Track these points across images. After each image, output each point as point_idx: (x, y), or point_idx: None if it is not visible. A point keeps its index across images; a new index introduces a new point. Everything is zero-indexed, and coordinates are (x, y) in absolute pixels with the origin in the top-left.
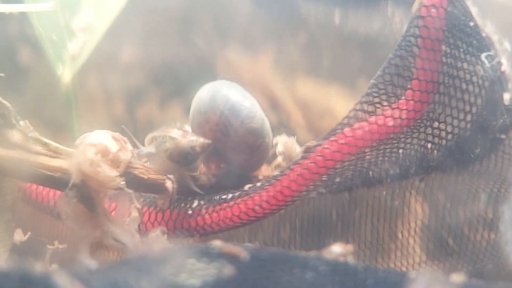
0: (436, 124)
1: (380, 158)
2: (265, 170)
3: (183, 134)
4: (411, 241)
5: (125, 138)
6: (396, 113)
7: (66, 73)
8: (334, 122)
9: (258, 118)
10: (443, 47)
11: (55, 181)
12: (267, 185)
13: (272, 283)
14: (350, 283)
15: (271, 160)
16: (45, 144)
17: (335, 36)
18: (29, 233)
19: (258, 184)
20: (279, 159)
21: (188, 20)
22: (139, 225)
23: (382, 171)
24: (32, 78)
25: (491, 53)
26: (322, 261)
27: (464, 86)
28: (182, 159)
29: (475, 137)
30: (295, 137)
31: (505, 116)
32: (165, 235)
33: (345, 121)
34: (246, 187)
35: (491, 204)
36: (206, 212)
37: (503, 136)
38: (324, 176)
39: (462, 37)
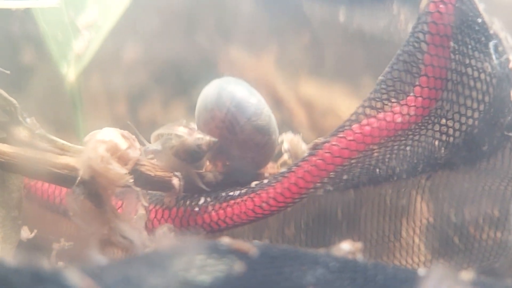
0: (443, 121)
1: (388, 156)
2: (271, 168)
3: (189, 132)
4: (416, 239)
5: (134, 136)
6: (405, 109)
7: (70, 72)
8: (337, 121)
9: (264, 115)
10: (451, 44)
11: (62, 178)
12: (274, 182)
13: (283, 279)
14: (360, 279)
15: (277, 158)
16: (51, 141)
17: (339, 34)
18: (35, 230)
19: (265, 181)
20: (285, 156)
21: (192, 19)
22: (146, 223)
23: (389, 169)
24: (36, 77)
25: (499, 50)
26: (331, 258)
27: (472, 83)
28: (188, 157)
29: (482, 134)
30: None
31: None
32: (172, 233)
33: (353, 117)
34: (253, 184)
35: (498, 202)
36: (212, 209)
37: (511, 134)
38: (332, 173)
39: (470, 33)
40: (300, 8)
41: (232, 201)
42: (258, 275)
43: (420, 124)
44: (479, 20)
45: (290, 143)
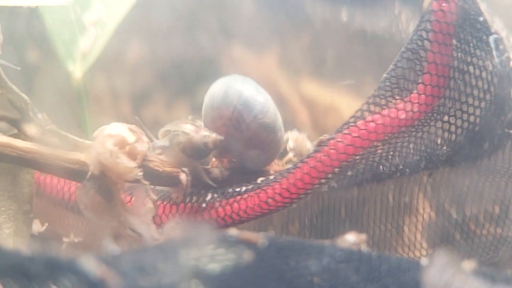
0: (446, 118)
1: (391, 152)
2: (277, 165)
3: (196, 130)
4: (418, 236)
5: (141, 130)
6: (408, 106)
7: (77, 70)
8: (339, 120)
9: (271, 113)
10: (454, 42)
11: (73, 172)
12: (280, 178)
13: (290, 268)
14: (364, 269)
15: (282, 156)
16: (62, 137)
17: (340, 34)
18: (46, 223)
19: (271, 177)
20: (290, 154)
21: (194, 19)
22: (153, 218)
23: (392, 166)
24: (42, 75)
25: (500, 48)
26: (337, 249)
27: (473, 81)
28: (194, 154)
29: (484, 131)
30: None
31: None
32: (181, 226)
33: (358, 114)
34: (259, 180)
35: (499, 199)
36: (219, 205)
37: (511, 131)
38: (337, 169)
39: (472, 32)
40: (302, 8)
41: (238, 197)
42: (266, 265)
43: (423, 121)
44: (481, 19)
45: (295, 141)
